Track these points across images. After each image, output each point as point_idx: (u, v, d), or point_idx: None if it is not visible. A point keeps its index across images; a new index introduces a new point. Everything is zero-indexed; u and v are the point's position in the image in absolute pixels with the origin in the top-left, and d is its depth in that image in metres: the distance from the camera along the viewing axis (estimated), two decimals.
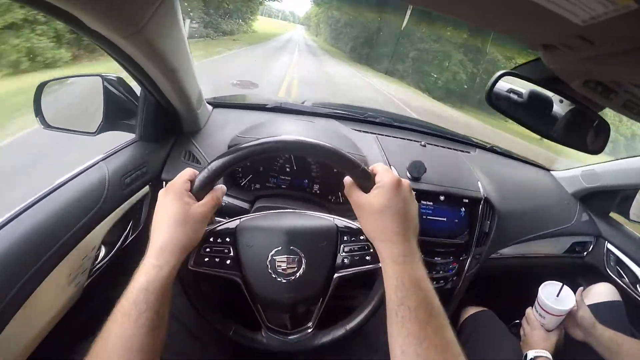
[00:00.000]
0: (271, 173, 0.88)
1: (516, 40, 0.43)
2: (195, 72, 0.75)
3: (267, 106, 1.07)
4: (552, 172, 1.28)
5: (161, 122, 0.82)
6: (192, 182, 0.50)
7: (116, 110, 0.79)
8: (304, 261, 0.55)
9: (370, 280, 0.58)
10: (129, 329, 0.40)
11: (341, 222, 0.59)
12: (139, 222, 0.80)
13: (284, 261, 0.54)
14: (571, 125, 0.69)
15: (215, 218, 0.59)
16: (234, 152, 0.49)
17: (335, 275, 0.56)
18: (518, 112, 0.69)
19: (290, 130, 0.90)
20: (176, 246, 0.46)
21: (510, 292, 1.17)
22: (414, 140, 1.04)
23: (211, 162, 0.49)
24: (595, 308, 0.94)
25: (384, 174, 0.48)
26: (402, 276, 0.43)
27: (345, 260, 0.56)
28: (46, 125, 0.77)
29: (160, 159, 0.84)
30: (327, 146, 0.50)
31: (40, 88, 0.78)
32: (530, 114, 0.69)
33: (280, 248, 0.54)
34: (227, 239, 0.55)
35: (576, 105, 0.65)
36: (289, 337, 0.58)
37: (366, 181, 0.49)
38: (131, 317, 0.41)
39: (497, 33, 0.44)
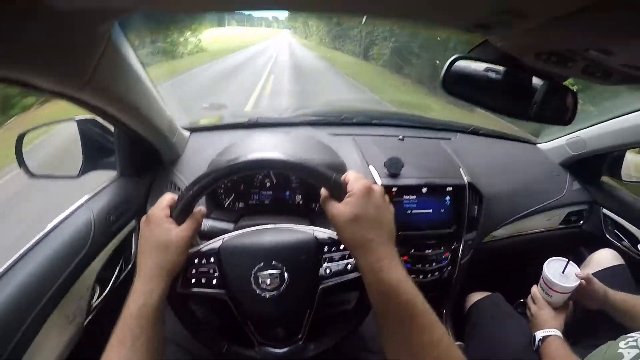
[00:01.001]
0: (253, 190, 0.89)
1: (450, 26, 0.43)
2: (161, 103, 0.77)
3: (243, 123, 1.08)
4: (537, 145, 1.27)
5: (139, 156, 0.83)
6: (171, 207, 0.51)
7: (95, 150, 0.81)
8: (286, 275, 0.56)
9: (357, 286, 0.59)
10: (127, 353, 0.42)
11: (321, 233, 0.60)
12: (130, 256, 0.82)
13: (267, 276, 0.56)
14: (545, 101, 0.69)
15: (199, 240, 0.61)
16: (207, 175, 0.50)
17: (320, 286, 0.57)
18: (482, 97, 0.68)
19: (265, 145, 0.91)
20: (162, 270, 0.48)
21: (512, 272, 1.17)
22: (392, 136, 1.05)
23: (187, 186, 0.51)
24: (600, 275, 0.92)
25: (355, 182, 0.49)
26: (381, 282, 0.43)
27: (328, 271, 0.57)
28: (30, 175, 0.79)
29: (143, 192, 0.86)
30: (296, 162, 0.51)
31: (20, 139, 0.80)
32: (498, 95, 0.69)
33: (262, 264, 0.56)
34: (212, 259, 0.57)
35: (541, 79, 0.66)
36: (281, 350, 0.59)
37: (338, 191, 0.49)
38: (127, 344, 0.43)
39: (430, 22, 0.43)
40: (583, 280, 0.84)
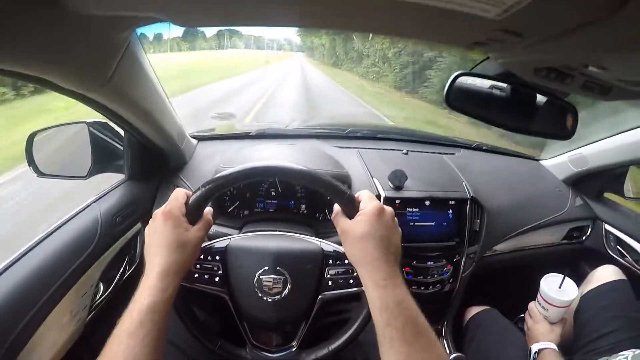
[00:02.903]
0: (258, 198, 0.90)
1: (448, 44, 0.45)
2: (172, 110, 0.79)
3: (250, 134, 1.10)
4: (540, 161, 1.28)
5: (147, 160, 0.85)
6: (186, 204, 0.52)
7: (104, 153, 0.83)
8: (289, 281, 0.57)
9: (356, 299, 0.59)
10: (136, 347, 0.43)
11: (327, 245, 0.61)
12: (134, 257, 0.83)
13: (270, 281, 0.57)
14: (546, 116, 0.71)
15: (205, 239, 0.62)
16: (227, 174, 0.51)
17: (320, 296, 0.59)
18: (484, 111, 0.70)
19: (272, 155, 0.93)
20: (178, 269, 0.49)
21: (513, 287, 1.16)
22: (396, 150, 1.06)
23: (204, 183, 0.51)
24: (601, 289, 0.93)
25: (368, 201, 0.50)
26: (385, 298, 0.44)
27: (330, 283, 0.59)
28: (40, 173, 0.81)
29: (149, 196, 0.87)
30: (315, 173, 0.51)
31: (31, 138, 0.82)
32: (501, 111, 0.71)
33: (267, 268, 0.57)
34: (217, 257, 0.58)
35: (542, 95, 0.67)
36: (273, 355, 0.60)
37: (351, 208, 0.50)
38: (138, 337, 0.43)
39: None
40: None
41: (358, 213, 0.49)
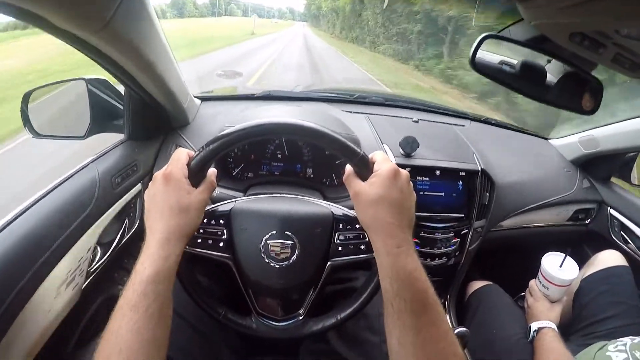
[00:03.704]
0: (263, 160, 0.87)
1: None
2: (176, 65, 0.74)
3: (255, 95, 1.06)
4: (549, 140, 1.26)
5: (148, 119, 0.81)
6: (188, 165, 0.49)
7: (103, 112, 0.79)
8: (297, 247, 0.55)
9: (365, 267, 0.57)
10: (140, 319, 0.40)
11: (337, 209, 0.58)
12: (134, 220, 0.80)
13: (278, 246, 0.54)
14: (565, 88, 0.68)
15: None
16: (231, 133, 0.47)
17: (329, 262, 0.56)
18: (508, 79, 0.68)
19: (278, 114, 0.89)
20: (180, 235, 0.46)
21: (516, 264, 1.16)
22: (406, 117, 1.03)
23: (207, 142, 0.48)
24: (602, 274, 0.93)
25: (382, 162, 0.47)
26: (396, 267, 0.42)
27: (340, 248, 0.56)
28: (35, 134, 0.78)
29: (150, 157, 0.84)
30: (326, 132, 0.48)
31: (26, 97, 0.78)
32: (522, 81, 0.68)
33: (274, 232, 0.54)
34: (221, 221, 0.55)
35: (567, 65, 0.65)
36: (279, 324, 0.57)
37: (364, 169, 0.48)
38: (140, 309, 0.40)
39: None
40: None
41: (372, 175, 0.47)
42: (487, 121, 1.21)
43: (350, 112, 1.02)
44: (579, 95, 0.68)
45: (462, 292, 1.05)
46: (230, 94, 1.08)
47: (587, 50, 0.47)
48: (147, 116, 0.80)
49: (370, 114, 1.02)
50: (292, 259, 0.54)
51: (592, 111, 0.67)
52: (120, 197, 0.75)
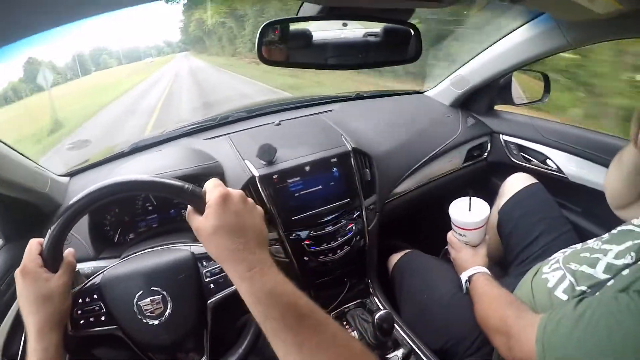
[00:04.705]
0: (136, 218, 0.84)
1: None
2: (17, 157, 0.72)
3: (124, 152, 1.02)
4: (425, 93, 1.29)
5: (18, 217, 0.77)
6: (41, 254, 0.50)
7: None
8: (168, 299, 0.54)
9: None
10: None
11: (197, 248, 0.58)
12: None
13: (149, 303, 0.54)
14: (387, 45, 0.69)
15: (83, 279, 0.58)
16: (64, 211, 0.48)
17: (209, 302, 0.56)
18: (311, 57, 0.67)
19: (134, 169, 0.87)
20: (53, 324, 0.47)
21: (430, 224, 1.17)
22: (269, 123, 1.01)
23: (49, 228, 0.49)
24: (516, 198, 0.94)
25: (210, 192, 0.46)
26: (254, 291, 0.41)
27: (212, 286, 0.56)
28: None
29: None
30: (146, 179, 0.48)
31: None
32: (330, 51, 0.68)
33: (142, 292, 0.54)
34: (95, 296, 0.55)
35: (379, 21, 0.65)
36: None
37: (198, 202, 0.46)
38: None
39: None
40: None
41: (205, 206, 0.45)
42: (358, 97, 1.21)
43: (212, 137, 1.00)
44: (404, 45, 0.69)
45: (386, 271, 1.05)
46: (99, 159, 1.03)
47: None
48: (16, 214, 0.76)
49: (232, 132, 1.00)
50: (167, 312, 0.54)
51: (416, 57, 0.68)
52: (10, 305, 0.70)
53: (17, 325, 0.70)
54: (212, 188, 0.47)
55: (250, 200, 0.48)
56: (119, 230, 0.83)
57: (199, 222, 0.45)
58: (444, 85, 1.22)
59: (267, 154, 0.82)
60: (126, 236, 0.83)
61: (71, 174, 0.97)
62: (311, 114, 1.08)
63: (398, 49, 0.69)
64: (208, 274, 0.57)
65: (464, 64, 1.17)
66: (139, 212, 0.84)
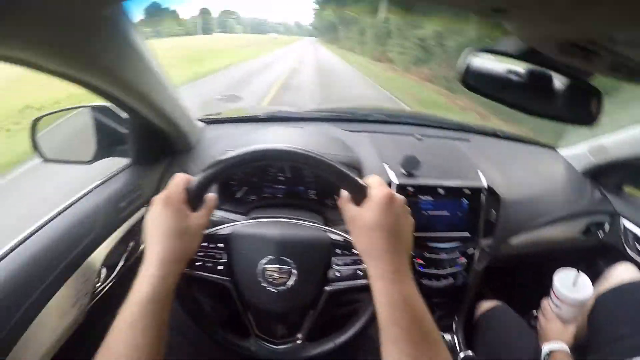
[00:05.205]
0: (265, 183, 0.87)
1: (468, 10, 0.41)
2: (173, 92, 0.76)
3: (259, 117, 1.07)
4: (558, 150, 1.23)
5: (152, 144, 0.83)
6: (187, 189, 0.50)
7: (108, 137, 0.81)
8: (294, 272, 0.56)
9: (365, 294, 0.57)
10: (137, 338, 0.41)
11: (335, 235, 0.59)
12: (138, 243, 0.81)
13: (275, 271, 0.55)
14: (568, 99, 0.67)
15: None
16: (227, 159, 0.49)
17: (326, 288, 0.57)
18: (501, 92, 0.66)
19: (277, 138, 0.90)
20: (178, 257, 0.47)
21: (526, 282, 1.13)
22: (409, 134, 1.02)
23: (206, 168, 0.49)
24: (617, 290, 0.90)
25: (377, 187, 0.47)
26: (391, 294, 0.42)
27: (337, 274, 0.57)
28: (45, 158, 0.80)
29: (154, 181, 0.85)
30: (320, 158, 0.49)
31: (35, 123, 0.80)
32: (527, 93, 0.67)
33: (272, 257, 0.56)
34: (221, 245, 0.57)
35: (564, 76, 0.63)
36: (278, 347, 0.59)
37: (358, 194, 0.48)
38: (138, 328, 0.42)
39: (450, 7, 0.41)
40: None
41: (366, 200, 0.47)
42: (493, 134, 1.19)
43: (353, 131, 1.02)
44: (582, 106, 0.66)
45: (472, 313, 1.02)
46: (235, 116, 1.09)
47: (581, 61, 0.45)
48: (151, 141, 0.82)
49: (372, 132, 1.02)
50: (289, 283, 0.55)
51: (592, 121, 0.65)
52: (125, 221, 0.76)
53: (123, 244, 0.76)
54: (378, 184, 0.48)
55: (408, 208, 0.49)
56: (244, 189, 0.87)
57: (355, 213, 0.47)
58: (580, 149, 1.16)
59: (411, 165, 0.83)
60: (248, 196, 0.87)
61: (206, 121, 1.03)
62: (449, 137, 1.08)
63: (577, 107, 0.67)
64: (338, 262, 0.58)
65: (608, 134, 1.11)
66: (269, 179, 0.87)
